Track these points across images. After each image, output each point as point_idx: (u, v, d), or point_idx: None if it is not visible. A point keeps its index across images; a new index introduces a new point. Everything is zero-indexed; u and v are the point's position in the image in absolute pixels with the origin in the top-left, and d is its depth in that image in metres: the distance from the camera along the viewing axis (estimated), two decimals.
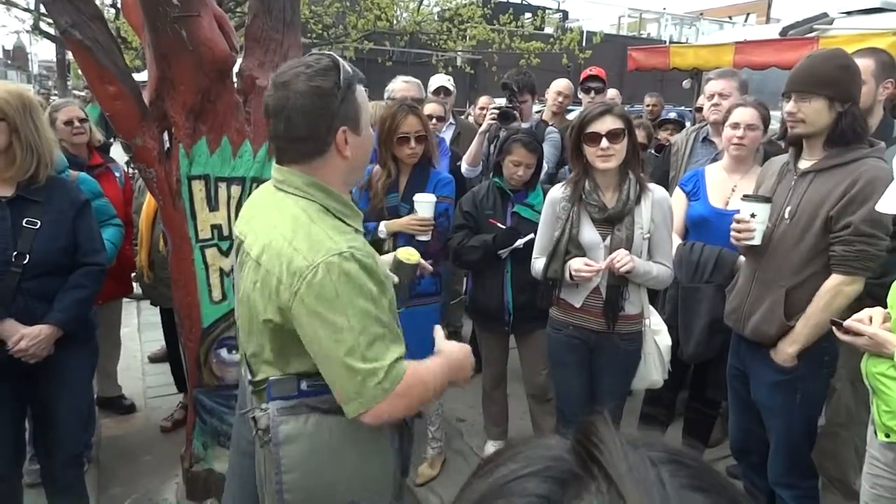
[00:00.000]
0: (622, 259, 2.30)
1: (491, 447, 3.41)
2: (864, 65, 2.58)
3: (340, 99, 1.36)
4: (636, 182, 2.42)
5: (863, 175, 2.12)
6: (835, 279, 2.17)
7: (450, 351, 1.54)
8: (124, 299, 3.87)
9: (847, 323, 1.86)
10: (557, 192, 2.55)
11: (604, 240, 2.42)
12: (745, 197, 2.33)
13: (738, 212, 2.36)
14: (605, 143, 2.33)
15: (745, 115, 2.83)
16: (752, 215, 2.25)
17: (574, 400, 2.62)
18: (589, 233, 2.44)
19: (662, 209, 2.45)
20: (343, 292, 1.28)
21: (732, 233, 2.32)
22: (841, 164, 2.18)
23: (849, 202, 2.12)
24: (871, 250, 2.12)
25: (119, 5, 11.85)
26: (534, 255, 2.66)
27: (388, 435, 1.47)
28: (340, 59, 1.41)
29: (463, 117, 5.44)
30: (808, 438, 2.43)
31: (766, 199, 2.27)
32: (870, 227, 2.09)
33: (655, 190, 2.47)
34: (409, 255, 1.84)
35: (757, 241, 2.27)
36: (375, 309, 1.32)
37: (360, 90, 1.42)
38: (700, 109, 4.37)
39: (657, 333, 2.54)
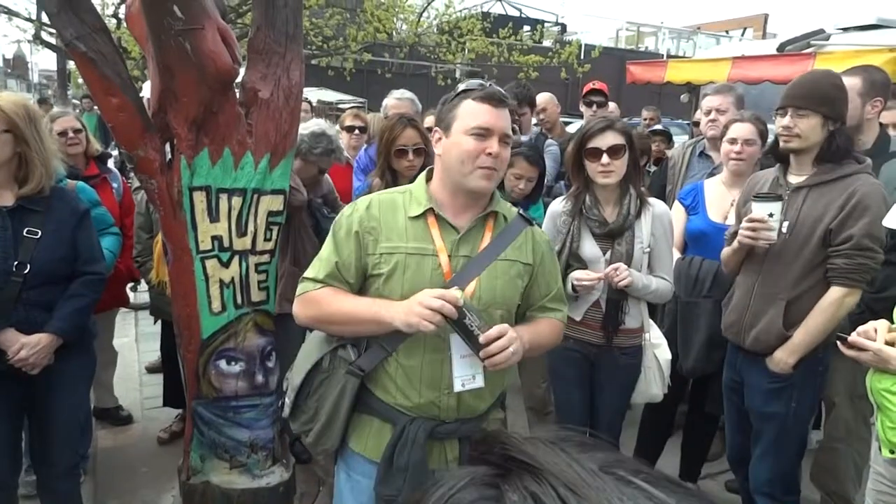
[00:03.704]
0: (621, 273, 2.31)
1: None
2: (851, 83, 2.62)
3: (442, 107, 1.68)
4: (637, 197, 2.43)
5: (858, 190, 2.17)
6: (837, 291, 2.21)
7: (392, 303, 1.60)
8: (122, 310, 3.87)
9: (852, 338, 1.86)
10: (558, 205, 2.56)
11: (604, 254, 2.43)
12: (758, 196, 2.30)
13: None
14: (605, 158, 2.34)
15: (742, 130, 2.86)
16: (770, 214, 2.24)
17: (575, 413, 2.62)
18: (589, 247, 2.44)
19: (663, 223, 2.46)
20: (336, 218, 1.76)
21: (747, 233, 2.27)
22: (835, 180, 2.23)
23: (846, 216, 2.16)
24: (870, 263, 2.17)
25: (121, 16, 11.93)
26: None
27: (319, 350, 1.75)
28: (475, 81, 1.66)
29: None
30: (797, 450, 2.44)
31: (779, 197, 2.28)
32: (869, 241, 2.15)
33: (656, 204, 2.48)
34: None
35: (775, 238, 2.26)
36: (330, 243, 1.70)
37: (469, 104, 1.61)
38: (697, 124, 4.40)
39: (657, 347, 2.54)
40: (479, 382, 1.62)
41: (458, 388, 1.61)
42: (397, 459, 1.62)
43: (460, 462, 1.71)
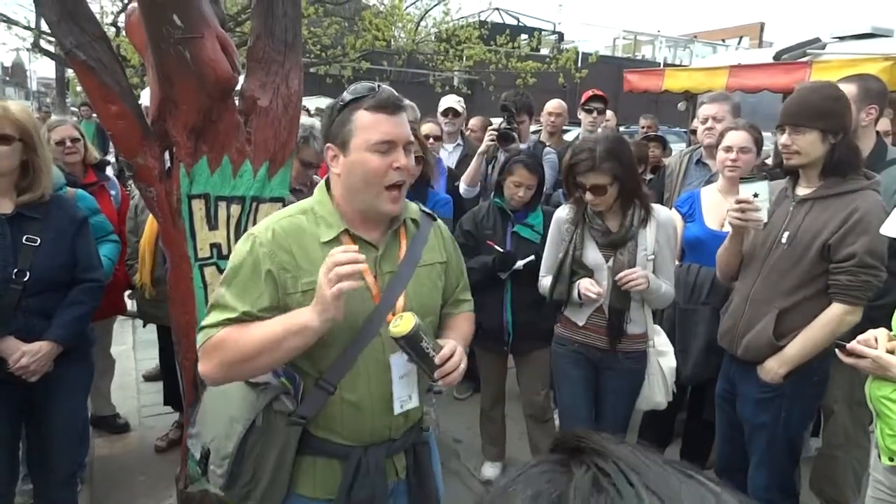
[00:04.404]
0: (638, 280, 2.32)
1: (488, 468, 3.38)
2: (846, 90, 2.62)
3: (331, 119, 1.49)
4: (641, 207, 2.43)
5: (860, 207, 2.15)
6: (838, 308, 2.19)
7: (297, 313, 1.40)
8: (120, 318, 3.86)
9: (851, 345, 1.86)
10: (563, 212, 2.58)
11: (607, 261, 2.44)
12: (743, 179, 2.31)
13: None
14: (589, 196, 2.36)
15: (737, 138, 2.88)
16: (755, 195, 2.23)
17: (580, 414, 2.62)
18: (592, 254, 2.46)
19: (667, 231, 2.47)
20: (232, 255, 1.51)
21: (736, 215, 2.26)
22: (839, 194, 2.21)
23: (847, 232, 2.14)
24: (873, 281, 2.16)
25: (120, 24, 11.97)
26: (541, 273, 2.69)
27: (248, 409, 1.52)
28: (363, 86, 1.48)
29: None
30: (791, 456, 2.45)
31: (764, 177, 2.28)
32: (872, 259, 2.13)
33: (661, 211, 2.49)
34: (395, 326, 1.43)
35: (764, 219, 2.25)
36: (230, 288, 1.46)
37: (363, 115, 1.44)
38: (695, 132, 4.42)
39: (662, 355, 2.54)
40: (415, 401, 1.60)
41: (397, 410, 1.56)
42: (357, 493, 1.52)
43: (408, 469, 1.66)
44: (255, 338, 1.39)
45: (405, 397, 1.57)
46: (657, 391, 2.54)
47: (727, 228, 2.72)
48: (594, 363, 2.54)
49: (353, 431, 1.54)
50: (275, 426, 1.50)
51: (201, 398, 1.65)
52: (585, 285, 2.39)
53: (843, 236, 2.15)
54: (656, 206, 2.50)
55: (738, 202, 2.26)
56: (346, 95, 1.47)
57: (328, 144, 1.50)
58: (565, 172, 2.43)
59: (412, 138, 1.52)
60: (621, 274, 2.35)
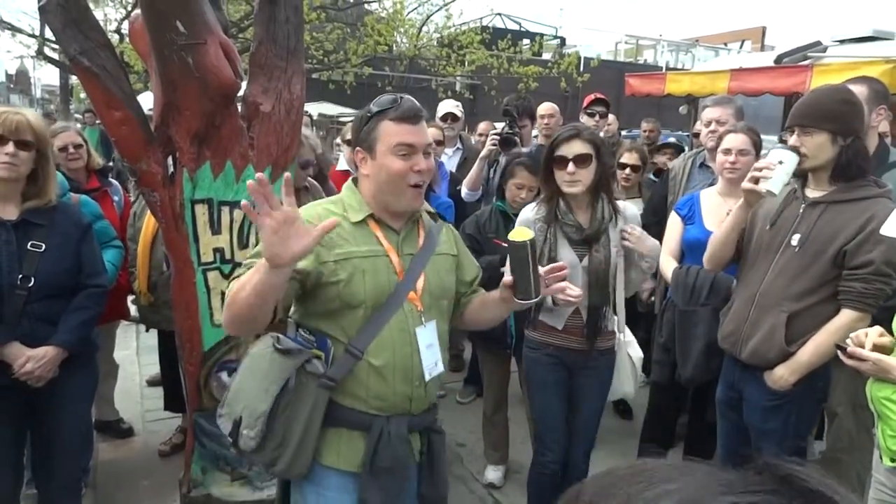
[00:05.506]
0: (634, 236, 2.38)
1: (491, 472, 3.38)
2: (857, 91, 2.62)
3: (358, 127, 1.72)
4: (608, 202, 2.44)
5: (877, 215, 2.10)
6: (849, 315, 2.15)
7: None
8: (123, 323, 3.88)
9: (851, 349, 1.86)
10: (530, 212, 2.53)
11: (581, 260, 2.42)
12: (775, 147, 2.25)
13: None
14: (571, 167, 2.34)
15: (736, 140, 2.88)
16: (780, 162, 2.15)
17: (557, 420, 2.60)
18: (567, 254, 2.42)
19: (632, 225, 2.48)
20: None
21: (753, 174, 2.19)
22: (853, 200, 2.17)
23: (864, 240, 2.11)
24: (886, 289, 2.13)
25: (124, 31, 12.04)
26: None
27: (281, 371, 1.62)
28: (391, 97, 1.70)
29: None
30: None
31: (797, 151, 2.20)
32: (887, 268, 2.11)
33: (627, 207, 2.51)
34: (517, 234, 1.68)
35: (774, 190, 2.17)
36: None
37: (388, 125, 1.65)
38: (697, 135, 4.43)
39: (629, 346, 2.55)
40: (441, 367, 1.76)
41: (427, 377, 1.71)
42: (379, 460, 1.64)
43: (422, 453, 1.78)
44: (245, 277, 1.50)
45: (432, 364, 1.72)
46: (626, 381, 2.55)
47: None
48: (568, 366, 2.52)
49: (376, 397, 1.67)
50: (305, 387, 1.62)
51: (229, 384, 1.74)
52: (563, 289, 2.36)
53: (861, 243, 2.11)
54: (620, 203, 2.51)
55: (761, 161, 2.20)
56: (373, 107, 1.69)
57: (357, 148, 1.72)
58: (547, 154, 2.43)
59: (431, 141, 1.73)
60: (628, 228, 2.39)
